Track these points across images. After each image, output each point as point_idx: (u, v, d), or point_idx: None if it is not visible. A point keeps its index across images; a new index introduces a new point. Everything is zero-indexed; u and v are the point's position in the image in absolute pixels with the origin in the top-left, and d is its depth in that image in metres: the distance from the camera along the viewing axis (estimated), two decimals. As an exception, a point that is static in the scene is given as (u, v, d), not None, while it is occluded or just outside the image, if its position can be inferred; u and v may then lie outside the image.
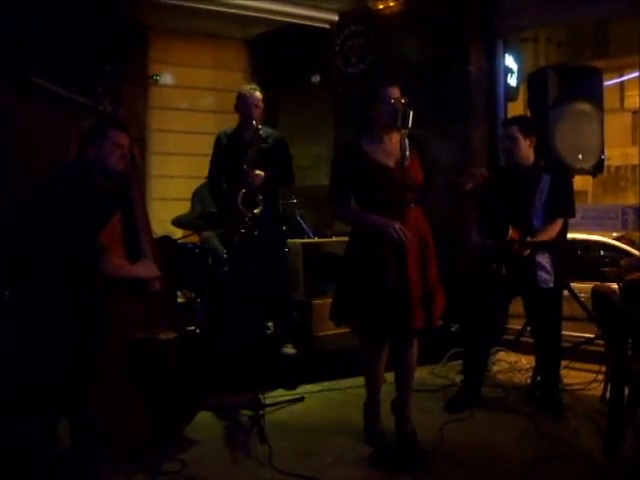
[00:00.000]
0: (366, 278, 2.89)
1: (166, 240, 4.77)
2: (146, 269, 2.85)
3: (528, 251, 3.37)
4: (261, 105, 4.01)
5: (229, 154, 3.93)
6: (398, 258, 2.87)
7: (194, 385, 3.03)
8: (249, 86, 4.07)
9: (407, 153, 2.81)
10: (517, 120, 3.65)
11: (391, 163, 2.93)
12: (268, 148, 4.00)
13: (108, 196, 2.85)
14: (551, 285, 3.44)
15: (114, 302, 2.75)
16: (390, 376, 3.15)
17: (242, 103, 3.99)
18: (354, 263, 2.98)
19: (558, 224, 3.50)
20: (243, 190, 3.74)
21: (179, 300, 4.46)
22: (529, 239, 3.36)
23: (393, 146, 2.96)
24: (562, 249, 3.63)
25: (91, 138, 2.80)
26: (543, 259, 3.43)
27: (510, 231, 3.35)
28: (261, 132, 4.00)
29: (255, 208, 3.68)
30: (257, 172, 3.76)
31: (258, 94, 3.99)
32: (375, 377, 3.11)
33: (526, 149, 3.51)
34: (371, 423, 3.15)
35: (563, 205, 3.52)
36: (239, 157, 3.79)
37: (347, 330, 3.41)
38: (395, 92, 2.92)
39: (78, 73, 4.42)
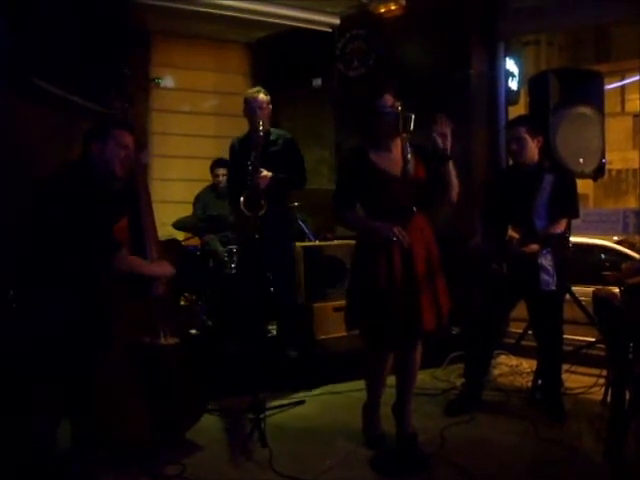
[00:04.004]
0: (375, 282, 2.88)
1: (173, 243, 4.76)
2: (161, 268, 2.88)
3: (531, 247, 3.35)
4: (267, 107, 4.00)
5: (241, 159, 3.89)
6: (406, 262, 2.88)
7: (196, 389, 3.03)
8: (253, 89, 4.07)
9: (409, 156, 2.82)
10: (524, 121, 3.59)
11: (396, 171, 2.93)
12: (277, 150, 3.99)
13: (113, 197, 2.84)
14: (553, 287, 3.43)
15: (117, 304, 2.76)
16: (390, 379, 3.14)
17: (247, 107, 3.99)
18: (363, 268, 2.97)
19: (562, 224, 3.49)
20: (245, 193, 3.73)
21: (181, 303, 4.46)
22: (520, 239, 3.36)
23: (398, 154, 2.96)
24: (565, 252, 3.63)
25: (95, 137, 2.78)
26: (545, 261, 3.43)
27: (510, 230, 3.36)
28: (272, 135, 4.01)
29: (259, 211, 3.65)
30: (264, 173, 3.75)
31: (262, 96, 3.98)
32: (379, 381, 3.11)
33: (533, 149, 3.50)
34: (371, 426, 3.15)
35: (567, 205, 3.51)
36: (246, 161, 3.79)
37: (348, 333, 3.40)
38: (389, 100, 2.90)
39: (79, 75, 4.42)
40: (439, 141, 2.83)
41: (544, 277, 3.42)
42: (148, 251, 2.88)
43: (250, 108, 3.96)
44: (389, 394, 3.16)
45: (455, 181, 2.94)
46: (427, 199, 2.97)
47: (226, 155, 4.28)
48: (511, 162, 3.78)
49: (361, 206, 3.02)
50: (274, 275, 4.04)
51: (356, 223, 3.05)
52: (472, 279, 3.70)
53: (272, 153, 3.92)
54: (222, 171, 5.30)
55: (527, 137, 3.46)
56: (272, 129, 4.11)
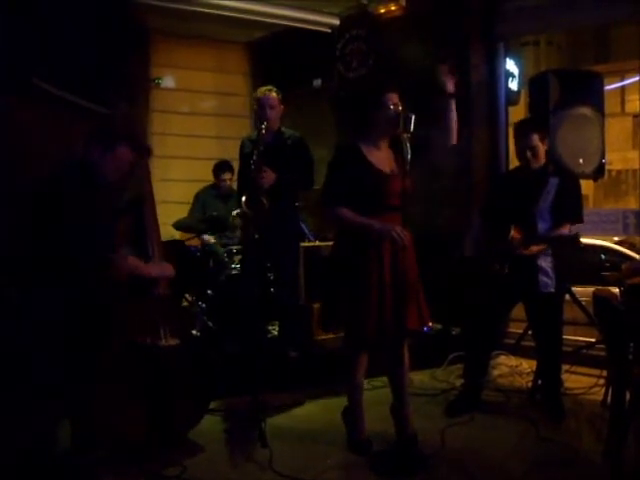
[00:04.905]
0: (365, 279, 2.88)
1: (176, 244, 4.76)
2: (160, 270, 2.88)
3: (531, 249, 3.35)
4: (277, 106, 3.97)
5: (249, 158, 3.86)
6: (394, 261, 2.90)
7: (197, 389, 3.03)
8: (264, 88, 4.03)
9: (409, 157, 2.82)
10: (534, 127, 3.55)
11: (386, 170, 2.96)
12: (287, 149, 3.98)
13: (113, 197, 2.84)
14: (552, 290, 3.43)
15: (118, 304, 2.76)
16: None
17: (257, 105, 3.97)
18: (350, 265, 2.94)
19: (565, 228, 3.48)
20: (245, 192, 3.73)
21: (182, 304, 4.46)
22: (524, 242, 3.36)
23: (386, 153, 3.00)
24: (574, 253, 3.63)
25: (99, 142, 2.75)
26: (545, 263, 3.43)
27: (512, 232, 3.37)
28: (284, 134, 4.00)
29: (260, 209, 3.64)
30: (267, 172, 3.73)
31: (273, 95, 3.95)
32: (358, 384, 3.10)
33: (543, 153, 3.50)
34: (354, 431, 3.10)
35: (571, 210, 3.50)
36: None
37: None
38: (395, 98, 2.94)
39: (78, 75, 4.42)
40: None
41: (543, 279, 3.42)
42: (150, 251, 2.89)
43: (260, 106, 3.93)
44: (387, 394, 3.15)
45: None
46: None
47: (226, 156, 4.29)
48: (511, 164, 3.77)
49: (346, 204, 2.97)
50: (277, 274, 4.03)
51: (350, 219, 2.94)
52: (471, 279, 3.69)
53: (282, 152, 3.90)
54: (228, 176, 5.27)
55: (539, 144, 3.47)
56: (284, 129, 4.08)
